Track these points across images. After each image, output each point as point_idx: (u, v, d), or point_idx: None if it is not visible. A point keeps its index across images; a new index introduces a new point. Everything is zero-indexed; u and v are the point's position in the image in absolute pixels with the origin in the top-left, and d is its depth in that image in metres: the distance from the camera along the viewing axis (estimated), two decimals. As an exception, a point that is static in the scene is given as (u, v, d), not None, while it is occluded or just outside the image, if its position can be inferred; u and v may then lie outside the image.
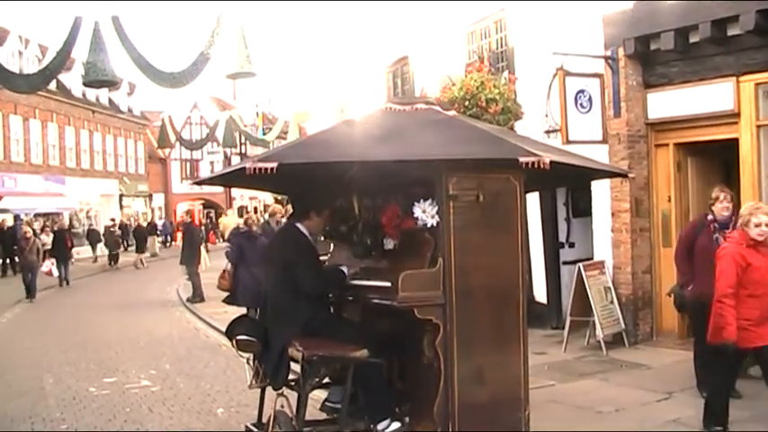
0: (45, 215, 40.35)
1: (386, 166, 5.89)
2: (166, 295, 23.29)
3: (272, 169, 5.25)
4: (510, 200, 6.14)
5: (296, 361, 6.22)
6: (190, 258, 21.11)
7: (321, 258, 7.03)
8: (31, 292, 23.29)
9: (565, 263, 13.70)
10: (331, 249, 7.50)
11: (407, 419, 6.35)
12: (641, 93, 11.62)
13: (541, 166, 5.45)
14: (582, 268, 11.59)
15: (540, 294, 13.88)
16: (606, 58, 11.56)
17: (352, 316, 6.98)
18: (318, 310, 6.44)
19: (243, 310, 10.69)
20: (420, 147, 5.87)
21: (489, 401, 6.03)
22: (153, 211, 58.42)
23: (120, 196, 52.81)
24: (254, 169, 5.27)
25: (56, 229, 32.70)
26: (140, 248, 36.40)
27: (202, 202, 65.56)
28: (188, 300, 20.17)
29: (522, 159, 5.53)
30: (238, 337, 6.63)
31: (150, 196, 59.45)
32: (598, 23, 11.73)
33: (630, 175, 7.77)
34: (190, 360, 12.35)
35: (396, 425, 6.27)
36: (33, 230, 28.05)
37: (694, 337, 9.07)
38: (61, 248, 27.97)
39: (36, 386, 11.07)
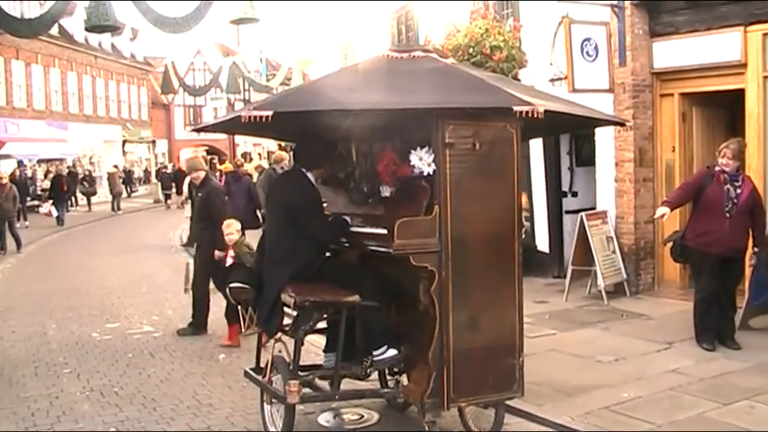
0: (48, 161, 40.31)
1: (383, 113, 5.85)
2: (168, 240, 23.39)
3: (267, 117, 5.25)
4: (506, 148, 6.06)
5: (289, 306, 6.24)
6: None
7: None
8: (3, 245, 21.45)
9: (567, 212, 13.69)
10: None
11: (403, 348, 6.40)
12: (647, 41, 11.51)
13: (536, 114, 5.45)
14: (584, 218, 11.58)
15: (543, 243, 13.90)
16: (612, 5, 11.40)
17: (343, 263, 6.94)
18: (316, 256, 6.43)
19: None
20: (417, 94, 5.86)
21: (483, 347, 6.05)
22: (156, 157, 58.38)
23: (123, 142, 52.74)
24: (251, 117, 5.27)
25: (58, 172, 34.79)
26: (179, 191, 35.56)
27: (206, 148, 65.35)
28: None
29: (516, 108, 5.50)
30: (232, 285, 6.75)
31: (153, 142, 59.41)
32: (604, -30, 11.59)
33: (628, 124, 7.71)
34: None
35: (392, 351, 6.38)
36: (14, 176, 28.67)
37: (695, 286, 9.10)
38: (58, 191, 31.07)
39: (39, 331, 11.15)
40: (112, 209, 36.43)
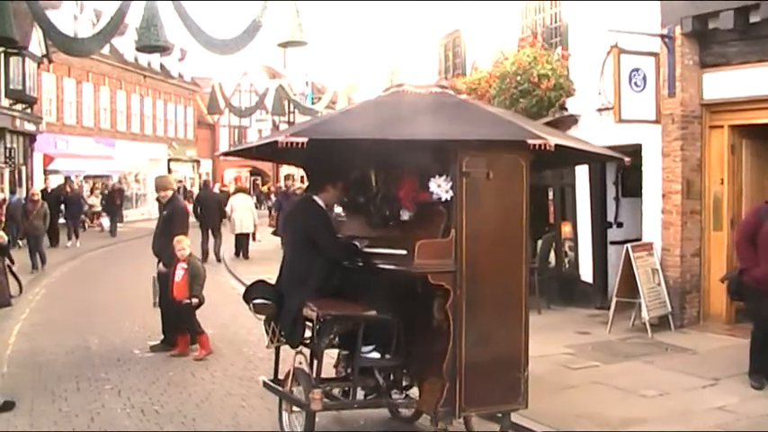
0: (94, 177, 40.84)
1: (403, 143, 6.26)
2: (211, 258, 23.52)
3: (302, 144, 5.79)
4: (517, 178, 6.61)
5: (310, 320, 6.68)
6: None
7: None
8: (34, 263, 20.01)
9: (612, 243, 13.58)
10: (342, 218, 8.08)
11: (389, 356, 6.97)
12: (697, 72, 11.41)
13: (547, 148, 5.98)
14: (630, 249, 11.46)
15: (586, 273, 13.78)
16: (662, 36, 11.34)
17: (364, 280, 7.21)
18: (331, 274, 6.88)
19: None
20: (437, 127, 6.36)
21: (492, 361, 6.49)
22: (200, 176, 58.86)
23: (169, 161, 53.26)
24: (288, 142, 5.78)
25: (113, 187, 37.45)
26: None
27: (249, 169, 65.95)
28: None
29: (530, 141, 6.06)
30: (255, 301, 7.17)
31: (198, 162, 59.91)
32: (655, 1, 11.51)
33: (626, 161, 7.96)
34: (232, 327, 12.46)
35: (375, 354, 6.96)
36: (46, 192, 27.50)
37: (754, 324, 8.89)
38: (111, 205, 33.94)
39: (81, 345, 11.28)
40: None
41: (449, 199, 6.40)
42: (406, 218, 7.01)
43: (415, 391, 7.29)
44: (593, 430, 7.23)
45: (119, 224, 34.23)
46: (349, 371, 7.14)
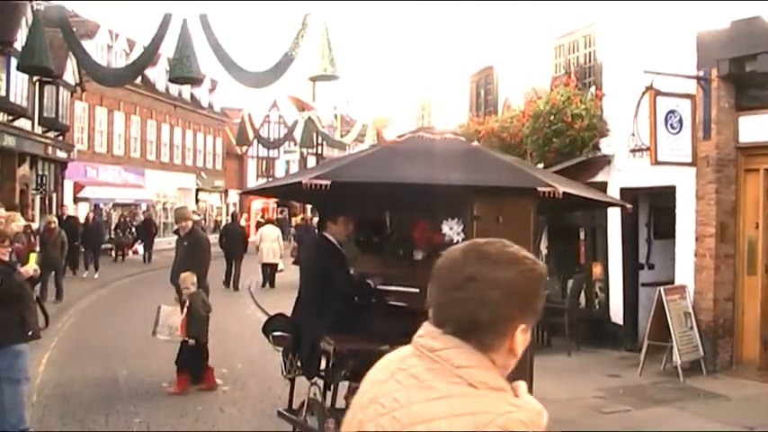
0: (123, 206, 41.13)
1: (418, 186, 6.70)
2: (239, 289, 23.64)
3: (325, 186, 6.22)
4: (525, 222, 6.96)
5: (326, 353, 7.04)
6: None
7: None
8: (59, 291, 19.37)
9: (643, 285, 13.46)
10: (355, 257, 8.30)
11: None
12: (733, 115, 11.33)
13: (556, 195, 6.40)
14: (663, 292, 11.35)
15: (617, 315, 13.66)
16: (699, 78, 11.30)
17: (376, 316, 7.52)
18: (346, 309, 7.18)
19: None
20: (451, 172, 6.80)
21: None
22: (228, 206, 59.12)
23: (197, 190, 53.55)
24: (311, 185, 6.24)
25: (145, 216, 38.58)
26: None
27: (276, 200, 66.13)
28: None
29: (540, 189, 6.50)
30: (273, 333, 7.59)
31: (226, 192, 60.15)
32: (691, 42, 11.47)
33: (628, 207, 8.57)
34: (261, 362, 12.39)
35: None
36: (61, 220, 25.21)
37: None
38: (147, 233, 35.14)
39: (110, 377, 11.27)
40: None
41: (460, 241, 6.64)
42: (419, 257, 7.49)
43: None
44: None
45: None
46: None
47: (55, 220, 21.20)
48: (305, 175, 6.81)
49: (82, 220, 29.62)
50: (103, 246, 30.60)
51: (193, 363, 10.54)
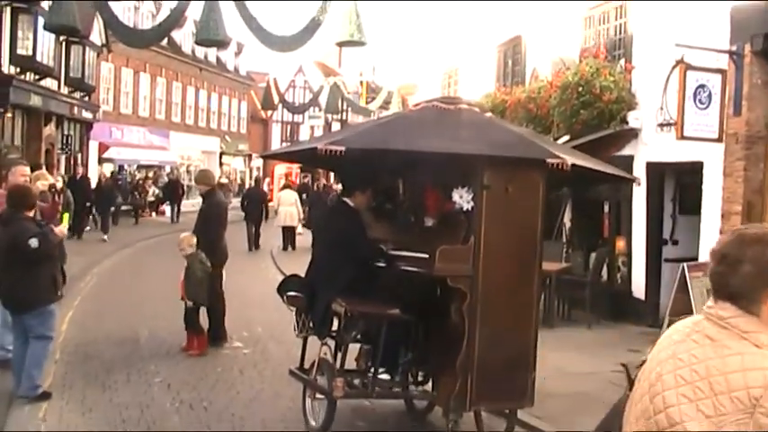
0: (147, 167, 41.31)
1: (431, 155, 6.81)
2: (261, 250, 23.84)
3: (340, 152, 6.38)
4: (534, 193, 7.05)
5: (338, 315, 7.27)
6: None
7: None
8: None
9: (667, 260, 13.36)
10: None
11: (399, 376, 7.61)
12: (765, 92, 11.14)
13: (564, 167, 6.50)
14: (686, 268, 11.25)
15: (639, 290, 13.59)
16: (731, 53, 11.11)
17: (387, 281, 7.62)
18: (360, 273, 7.29)
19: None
20: (464, 143, 6.95)
21: (503, 361, 6.90)
22: (251, 171, 59.26)
23: (221, 154, 53.66)
24: (327, 150, 6.37)
25: (169, 178, 39.38)
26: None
27: (300, 165, 66.12)
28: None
29: (548, 160, 6.59)
30: (288, 294, 7.81)
31: (249, 156, 60.24)
32: (725, 16, 11.26)
33: (637, 180, 8.75)
34: (282, 325, 12.42)
35: (386, 376, 7.55)
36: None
37: None
38: (173, 193, 35.62)
39: (131, 337, 11.36)
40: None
41: (470, 209, 6.93)
42: (429, 224, 7.65)
43: (429, 386, 7.83)
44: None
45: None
46: (369, 364, 7.56)
47: (59, 178, 20.64)
48: (321, 141, 6.89)
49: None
50: (118, 208, 30.29)
51: (190, 323, 10.65)
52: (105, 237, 25.23)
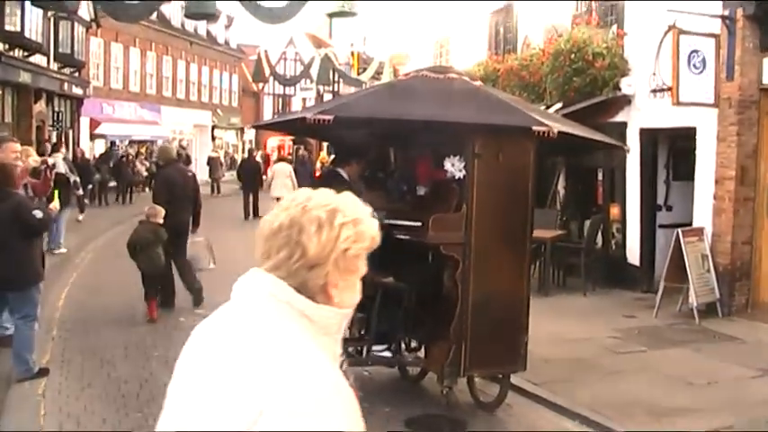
0: (139, 142, 41.13)
1: (421, 124, 6.88)
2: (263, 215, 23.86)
3: (328, 121, 6.42)
4: (524, 160, 7.12)
5: None
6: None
7: None
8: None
9: (661, 226, 13.42)
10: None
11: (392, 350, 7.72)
12: (757, 57, 11.14)
13: (550, 134, 6.50)
14: (681, 234, 11.31)
15: (633, 256, 13.65)
16: (723, 17, 11.09)
17: (380, 250, 7.61)
18: None
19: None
20: (454, 111, 6.92)
21: (495, 327, 7.03)
22: (244, 144, 59.08)
23: (213, 127, 53.43)
24: (315, 120, 6.42)
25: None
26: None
27: (292, 138, 65.95)
28: None
29: (534, 128, 6.59)
30: None
31: (242, 129, 60.02)
32: (716, -19, 11.26)
33: (626, 148, 9.20)
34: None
35: (387, 353, 7.66)
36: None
37: None
38: None
39: (128, 313, 11.32)
40: (211, 192, 37.06)
41: (461, 177, 7.03)
42: (421, 193, 7.77)
43: (422, 352, 8.00)
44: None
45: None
46: (363, 332, 7.62)
47: (57, 156, 18.13)
48: (311, 111, 6.96)
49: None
50: (104, 185, 30.48)
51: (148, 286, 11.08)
52: (80, 217, 21.58)
